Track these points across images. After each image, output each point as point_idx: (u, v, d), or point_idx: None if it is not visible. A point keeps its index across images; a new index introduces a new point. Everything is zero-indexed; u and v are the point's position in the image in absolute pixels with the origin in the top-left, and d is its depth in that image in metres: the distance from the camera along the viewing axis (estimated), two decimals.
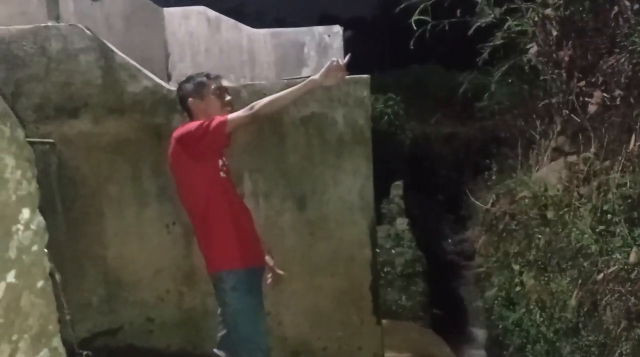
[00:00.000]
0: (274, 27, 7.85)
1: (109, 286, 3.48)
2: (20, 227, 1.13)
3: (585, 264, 3.48)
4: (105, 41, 3.39)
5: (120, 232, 3.45)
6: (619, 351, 2.91)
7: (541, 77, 6.24)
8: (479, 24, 6.82)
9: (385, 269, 5.51)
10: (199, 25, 6.01)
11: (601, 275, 3.26)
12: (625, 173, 3.86)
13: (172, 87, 3.37)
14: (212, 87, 2.52)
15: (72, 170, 3.41)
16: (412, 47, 7.04)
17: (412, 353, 4.20)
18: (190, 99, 2.51)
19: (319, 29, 7.23)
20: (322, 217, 3.31)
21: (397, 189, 7.56)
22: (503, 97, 7.92)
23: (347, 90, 3.19)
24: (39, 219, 1.18)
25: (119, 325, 3.49)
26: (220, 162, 2.49)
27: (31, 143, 1.22)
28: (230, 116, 2.35)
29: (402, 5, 7.10)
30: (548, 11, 5.70)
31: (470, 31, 6.91)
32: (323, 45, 7.09)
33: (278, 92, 2.41)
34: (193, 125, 2.39)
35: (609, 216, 3.61)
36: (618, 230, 3.41)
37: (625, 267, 3.14)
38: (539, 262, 4.09)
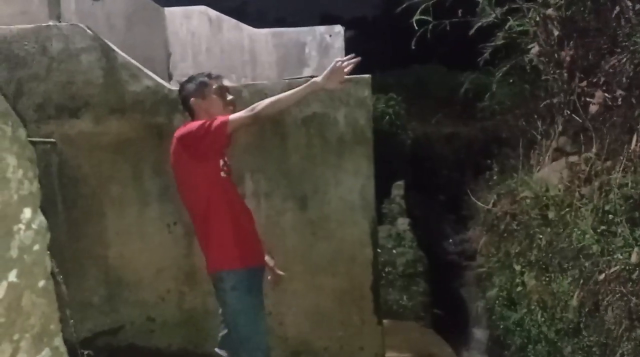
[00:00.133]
0: (275, 27, 7.84)
1: (110, 286, 3.48)
2: (22, 226, 1.13)
3: (586, 264, 3.48)
4: (106, 41, 3.39)
5: (122, 231, 3.45)
6: (620, 352, 2.91)
7: (542, 77, 6.23)
8: (480, 24, 6.81)
9: (387, 269, 5.51)
10: (200, 24, 6.02)
11: (602, 275, 3.25)
12: (626, 173, 3.85)
13: (174, 86, 3.37)
14: (214, 87, 2.52)
15: (73, 169, 3.41)
16: (413, 47, 7.03)
17: (413, 353, 4.20)
18: (192, 98, 2.51)
19: (321, 28, 7.23)
20: (323, 217, 3.31)
21: (398, 189, 7.56)
22: (504, 97, 7.91)
23: (349, 91, 3.19)
24: (41, 218, 1.18)
25: (120, 324, 3.49)
26: (222, 162, 2.49)
27: (33, 143, 1.22)
28: (232, 117, 2.35)
29: (404, 5, 7.09)
30: (549, 11, 5.69)
31: (472, 31, 6.90)
32: (324, 45, 7.09)
33: (279, 92, 2.41)
34: (195, 124, 2.40)
35: (611, 216, 3.60)
36: (619, 230, 3.41)
37: (627, 267, 3.13)
38: (540, 263, 4.08)
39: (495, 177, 6.74)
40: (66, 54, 3.32)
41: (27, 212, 1.15)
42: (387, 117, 8.72)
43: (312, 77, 2.51)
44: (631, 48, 4.65)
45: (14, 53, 3.31)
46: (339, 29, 7.21)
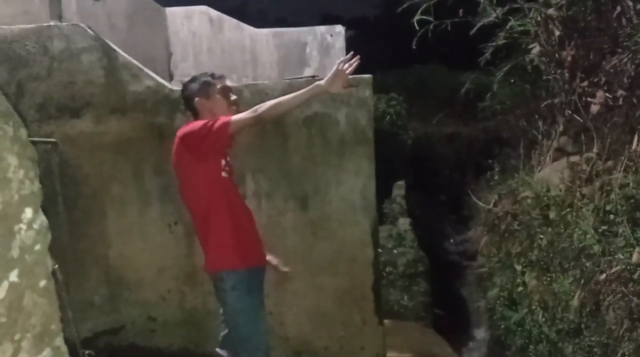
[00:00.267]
0: (276, 26, 7.85)
1: (111, 286, 3.48)
2: (23, 226, 1.13)
3: (587, 264, 3.47)
4: (107, 41, 3.39)
5: (123, 231, 3.45)
6: (621, 352, 2.90)
7: (544, 77, 6.22)
8: (481, 23, 6.80)
9: (387, 269, 5.51)
10: (201, 24, 6.03)
11: (604, 275, 3.25)
12: (627, 173, 3.84)
13: (175, 86, 3.37)
14: (218, 86, 2.52)
15: (74, 169, 3.41)
16: (414, 47, 7.02)
17: (414, 353, 4.20)
18: (196, 98, 2.51)
19: (321, 28, 7.24)
20: (324, 217, 3.31)
21: (399, 189, 7.56)
22: (505, 97, 7.90)
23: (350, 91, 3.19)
24: (42, 218, 1.18)
25: (121, 324, 3.49)
26: (223, 162, 2.49)
27: (34, 142, 1.22)
28: (234, 118, 2.35)
29: (405, 5, 7.08)
30: (550, 11, 5.68)
31: (473, 31, 6.89)
32: (325, 45, 7.10)
33: (280, 92, 2.41)
34: (197, 124, 2.40)
35: (612, 216, 3.60)
36: (621, 230, 3.40)
37: (628, 267, 3.13)
38: (541, 263, 4.08)
39: (496, 177, 6.73)
40: (67, 53, 3.32)
41: (28, 212, 1.15)
42: (388, 117, 8.72)
43: (313, 76, 2.51)
44: (632, 48, 4.64)
45: (15, 53, 3.31)
46: (339, 29, 7.22)
